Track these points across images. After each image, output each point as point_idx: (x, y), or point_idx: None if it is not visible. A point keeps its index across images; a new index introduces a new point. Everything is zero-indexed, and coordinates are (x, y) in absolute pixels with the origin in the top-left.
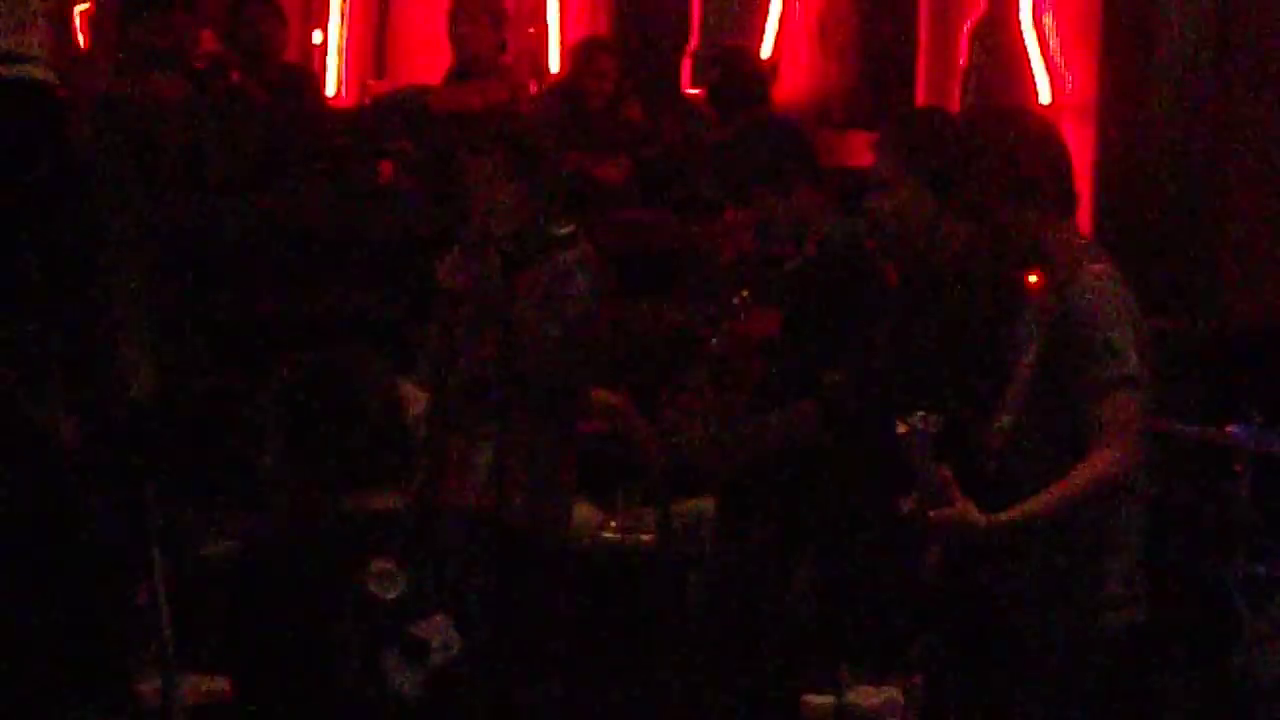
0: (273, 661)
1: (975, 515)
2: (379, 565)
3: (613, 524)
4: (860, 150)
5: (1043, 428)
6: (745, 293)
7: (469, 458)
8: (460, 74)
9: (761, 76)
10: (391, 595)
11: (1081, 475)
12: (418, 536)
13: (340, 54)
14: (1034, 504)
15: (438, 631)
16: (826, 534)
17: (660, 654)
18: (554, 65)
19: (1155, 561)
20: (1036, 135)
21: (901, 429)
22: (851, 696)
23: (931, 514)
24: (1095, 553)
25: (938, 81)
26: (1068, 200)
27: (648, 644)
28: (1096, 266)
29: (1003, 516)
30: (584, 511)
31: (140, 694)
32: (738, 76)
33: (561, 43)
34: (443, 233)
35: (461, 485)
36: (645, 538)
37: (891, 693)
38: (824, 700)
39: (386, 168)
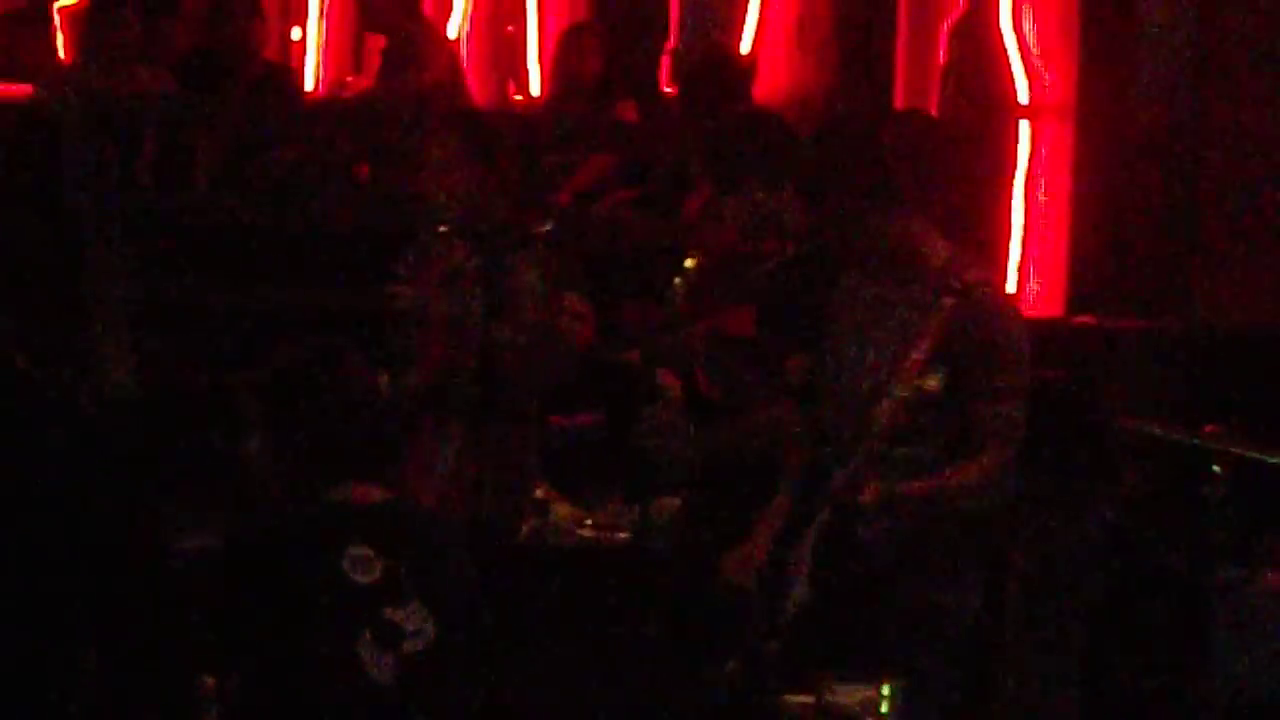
0: (254, 651)
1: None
2: (356, 551)
3: (589, 522)
4: None
5: (925, 421)
6: (678, 280)
7: (429, 458)
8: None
9: (740, 75)
10: (367, 580)
11: (956, 478)
12: (397, 528)
13: (319, 51)
14: (940, 483)
15: (413, 618)
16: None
17: (636, 652)
18: (532, 63)
19: (1132, 563)
20: (901, 137)
21: None
22: (830, 696)
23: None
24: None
25: (916, 80)
26: (928, 202)
27: (623, 642)
28: (973, 274)
29: (903, 489)
30: (561, 510)
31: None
32: (714, 75)
33: (540, 41)
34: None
35: (422, 485)
36: (622, 536)
37: (870, 692)
38: (803, 700)
39: (363, 166)
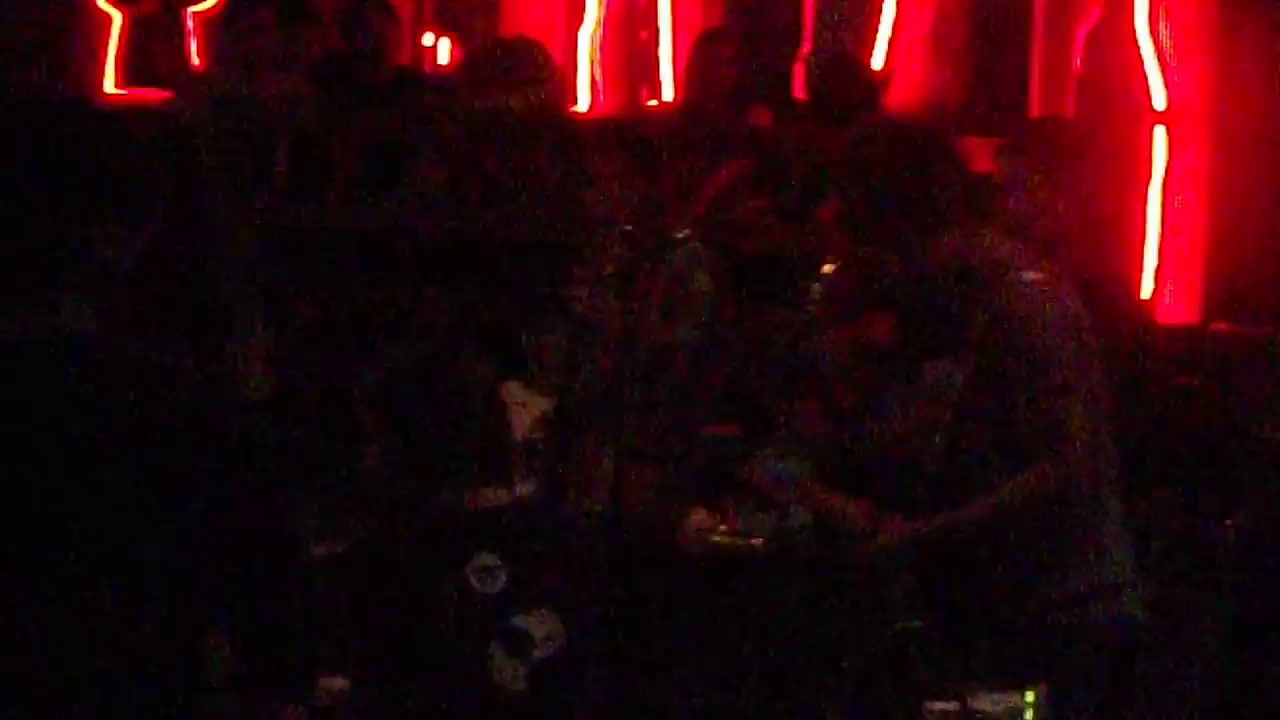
0: (382, 659)
1: (897, 528)
2: (482, 560)
3: (723, 528)
4: (973, 156)
5: (979, 442)
6: (815, 286)
7: (596, 463)
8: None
9: (869, 84)
10: (494, 590)
11: (1010, 490)
12: (523, 532)
13: (452, 57)
14: (961, 513)
15: (542, 624)
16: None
17: (771, 658)
18: (665, 70)
19: (1269, 572)
20: (929, 152)
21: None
22: (975, 703)
23: (867, 548)
24: (1065, 548)
25: (1052, 88)
26: (975, 211)
27: (758, 648)
28: (1026, 274)
29: (923, 525)
30: (695, 514)
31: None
32: (841, 82)
33: (673, 47)
34: (553, 237)
35: (588, 489)
36: (756, 542)
37: (1015, 700)
38: (948, 707)
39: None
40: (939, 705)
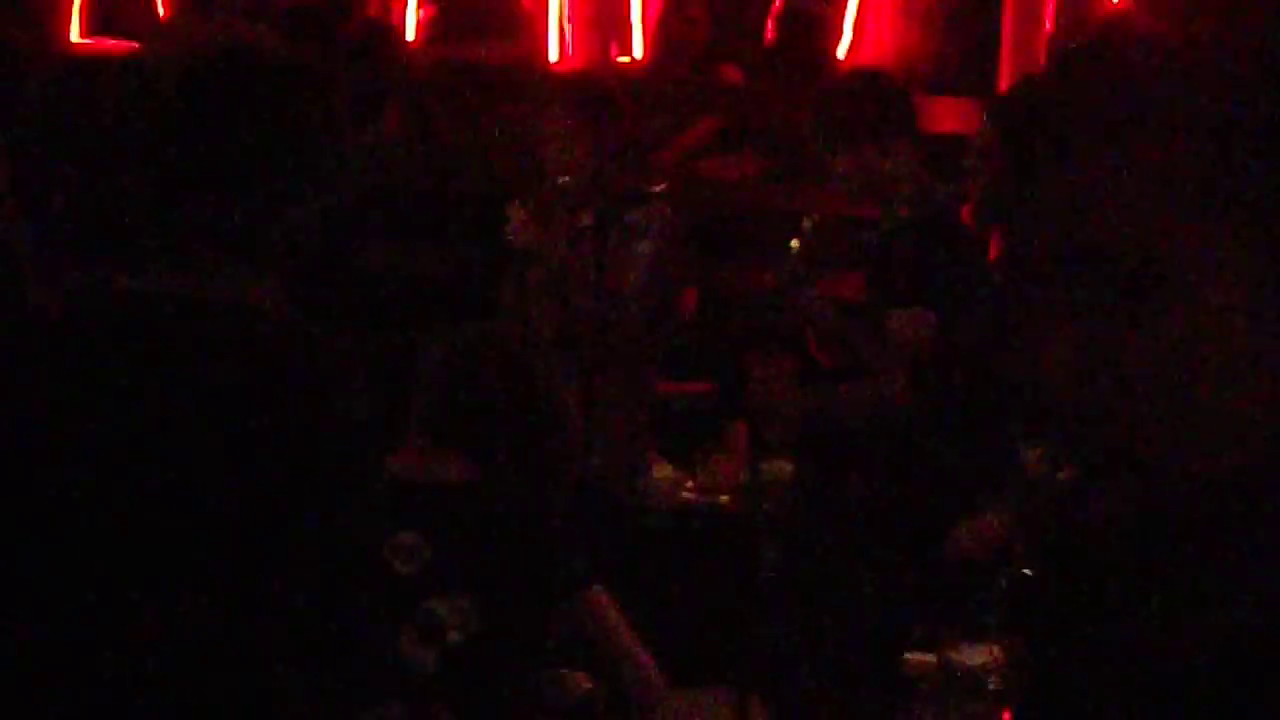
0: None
1: None
2: (401, 538)
3: (690, 484)
4: (945, 116)
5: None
6: (795, 242)
7: None
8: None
9: (824, 40)
10: (410, 570)
11: None
12: (452, 512)
13: (418, 9)
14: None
15: (457, 610)
16: (918, 494)
17: (747, 617)
18: (636, 25)
19: None
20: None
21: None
22: (953, 655)
23: None
24: None
25: (1023, 47)
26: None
27: (733, 606)
28: None
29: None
30: (663, 472)
31: None
32: (804, 40)
33: (644, 2)
34: (510, 190)
35: None
36: (723, 499)
37: (994, 651)
38: (925, 658)
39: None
40: (916, 658)
